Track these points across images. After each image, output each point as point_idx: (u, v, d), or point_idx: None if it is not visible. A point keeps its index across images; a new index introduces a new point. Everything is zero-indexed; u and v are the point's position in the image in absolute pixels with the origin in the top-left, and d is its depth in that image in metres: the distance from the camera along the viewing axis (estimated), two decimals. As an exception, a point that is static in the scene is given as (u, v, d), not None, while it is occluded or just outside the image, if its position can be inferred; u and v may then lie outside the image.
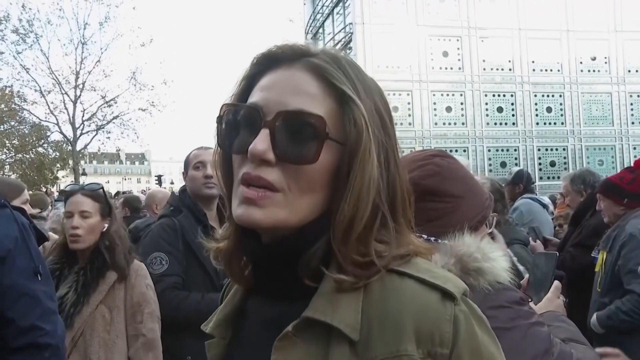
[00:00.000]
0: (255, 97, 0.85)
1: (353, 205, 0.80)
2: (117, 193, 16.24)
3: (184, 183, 3.26)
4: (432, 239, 1.50)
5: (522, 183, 5.81)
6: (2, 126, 26.08)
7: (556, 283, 1.85)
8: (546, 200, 5.69)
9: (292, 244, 0.84)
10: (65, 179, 32.79)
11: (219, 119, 0.88)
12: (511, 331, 1.39)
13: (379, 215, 0.83)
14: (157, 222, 3.16)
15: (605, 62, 24.28)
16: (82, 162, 32.38)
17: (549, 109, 23.92)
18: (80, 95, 27.33)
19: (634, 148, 24.23)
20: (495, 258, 1.41)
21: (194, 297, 2.82)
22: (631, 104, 24.39)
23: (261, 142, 0.79)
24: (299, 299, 0.83)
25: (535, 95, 23.70)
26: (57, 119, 27.46)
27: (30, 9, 26.47)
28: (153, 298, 2.76)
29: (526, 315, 1.46)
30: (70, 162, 28.14)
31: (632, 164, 3.92)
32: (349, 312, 0.79)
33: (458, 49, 23.23)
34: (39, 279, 1.89)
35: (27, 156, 28.07)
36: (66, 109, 27.30)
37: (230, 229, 0.92)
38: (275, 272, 0.87)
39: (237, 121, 0.86)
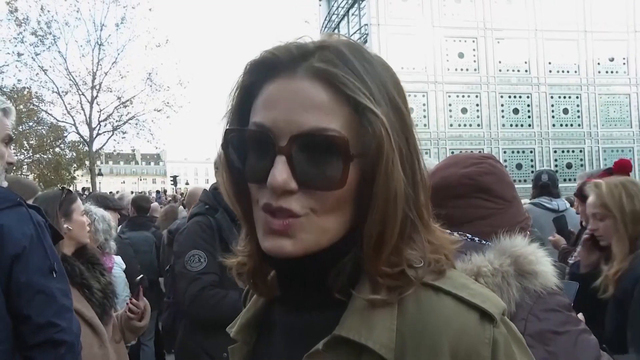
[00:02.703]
0: (260, 117, 0.76)
1: (380, 219, 0.75)
2: (132, 193, 16.45)
3: (197, 184, 3.27)
4: (477, 239, 1.54)
5: (533, 187, 5.73)
6: (20, 127, 26.37)
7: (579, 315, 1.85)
8: (553, 204, 5.42)
9: (321, 259, 0.79)
10: (81, 179, 33.13)
11: (225, 145, 0.81)
12: (562, 336, 1.40)
13: (407, 223, 0.78)
14: (192, 219, 3.14)
15: (624, 63, 24.03)
16: (98, 162, 32.70)
17: (565, 111, 23.72)
18: (96, 96, 27.56)
19: (653, 150, 23.97)
20: (545, 263, 1.45)
21: (232, 296, 2.77)
22: (650, 106, 24.11)
23: (280, 173, 0.72)
24: (326, 309, 0.81)
25: (552, 97, 23.52)
26: (74, 120, 27.74)
27: (48, 11, 26.78)
28: None
29: (576, 321, 1.47)
30: (87, 162, 28.39)
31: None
32: (383, 330, 0.75)
33: (474, 50, 23.13)
34: (54, 276, 1.91)
35: (45, 156, 28.37)
36: (83, 109, 27.56)
37: (253, 246, 0.87)
38: (303, 285, 0.83)
39: (245, 146, 0.78)
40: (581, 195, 3.77)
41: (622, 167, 3.50)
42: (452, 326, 0.74)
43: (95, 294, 2.57)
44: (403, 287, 0.77)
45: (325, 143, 0.73)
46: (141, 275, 2.94)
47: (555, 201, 5.47)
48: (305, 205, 0.75)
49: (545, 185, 5.59)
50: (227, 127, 0.81)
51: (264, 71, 0.78)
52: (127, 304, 2.85)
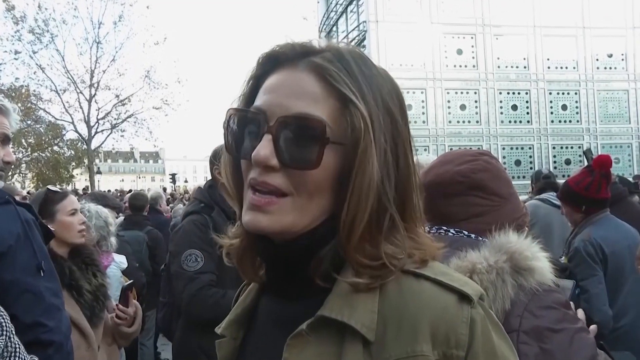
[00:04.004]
0: (259, 101, 0.84)
1: (354, 207, 0.79)
2: (130, 191, 16.43)
3: (196, 182, 3.24)
4: (473, 236, 1.55)
5: (533, 184, 5.70)
6: (18, 125, 26.35)
7: (579, 311, 1.84)
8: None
9: (303, 245, 0.83)
10: (80, 177, 33.13)
11: (226, 124, 0.88)
12: (559, 333, 1.39)
13: (386, 217, 0.82)
14: (187, 218, 3.11)
15: (622, 59, 23.97)
16: (97, 160, 32.71)
17: (564, 107, 23.67)
18: (95, 94, 27.62)
19: (651, 146, 23.95)
20: (542, 258, 1.44)
21: (230, 295, 2.74)
22: (648, 102, 24.07)
23: (263, 149, 0.79)
24: (310, 298, 0.84)
25: (551, 93, 23.47)
26: (72, 118, 27.81)
27: (46, 9, 26.75)
28: None
29: (572, 319, 1.46)
30: (86, 160, 28.40)
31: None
32: (365, 312, 0.79)
33: (472, 46, 23.07)
34: (42, 275, 1.88)
35: (43, 155, 28.40)
36: (81, 107, 27.64)
37: (243, 229, 0.92)
38: (287, 273, 0.87)
39: (243, 126, 0.85)
40: (563, 197, 3.72)
41: (602, 164, 3.43)
42: (432, 307, 0.78)
43: (85, 296, 2.53)
44: (384, 275, 0.81)
45: (306, 127, 0.79)
46: (130, 281, 2.85)
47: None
48: (287, 183, 0.80)
49: (548, 177, 5.55)
50: (229, 108, 0.88)
51: (271, 63, 0.87)
52: (114, 309, 2.78)
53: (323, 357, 0.79)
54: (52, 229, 2.60)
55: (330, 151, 0.79)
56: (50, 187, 2.90)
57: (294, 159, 0.79)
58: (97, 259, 2.79)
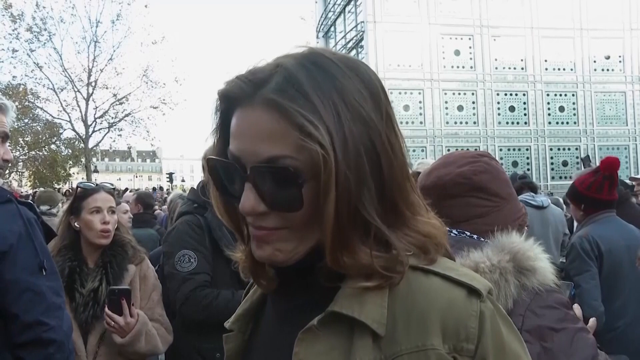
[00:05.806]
0: (232, 145, 0.83)
1: (328, 231, 0.79)
2: (126, 189, 16.35)
3: (193, 181, 3.19)
4: (475, 237, 1.56)
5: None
6: (16, 123, 26.29)
7: (575, 307, 1.86)
8: (537, 200, 5.14)
9: (309, 259, 0.85)
10: (77, 176, 33.08)
11: (207, 171, 0.90)
12: (559, 333, 1.41)
13: (371, 229, 0.81)
14: (180, 219, 3.09)
15: (620, 61, 24.08)
16: (94, 159, 32.64)
17: (561, 109, 23.77)
18: (92, 92, 27.54)
19: (648, 148, 24.04)
20: (543, 259, 1.46)
21: (224, 296, 2.76)
22: (645, 104, 24.16)
23: (247, 200, 0.80)
24: (319, 293, 0.84)
25: (548, 95, 23.56)
26: (69, 117, 27.71)
27: (44, 7, 26.71)
28: (160, 286, 2.87)
29: (573, 319, 1.48)
30: (83, 159, 28.35)
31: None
32: (375, 307, 0.80)
33: (470, 47, 23.14)
34: (44, 274, 1.87)
35: (40, 153, 28.33)
36: (78, 106, 27.52)
37: (248, 249, 0.93)
38: (296, 276, 0.89)
39: (225, 172, 0.86)
40: (567, 195, 3.74)
41: (609, 166, 3.43)
42: (441, 301, 0.79)
43: (77, 299, 2.47)
44: (386, 278, 0.81)
45: (279, 172, 0.79)
46: (124, 287, 2.56)
47: (539, 197, 5.31)
48: (281, 221, 0.82)
49: (524, 177, 5.55)
50: (208, 156, 0.88)
51: (228, 102, 0.84)
52: (104, 313, 2.50)
53: (333, 352, 0.80)
54: (77, 225, 2.57)
55: (308, 185, 0.79)
56: (82, 182, 2.79)
57: (278, 203, 0.80)
58: (117, 262, 2.64)
